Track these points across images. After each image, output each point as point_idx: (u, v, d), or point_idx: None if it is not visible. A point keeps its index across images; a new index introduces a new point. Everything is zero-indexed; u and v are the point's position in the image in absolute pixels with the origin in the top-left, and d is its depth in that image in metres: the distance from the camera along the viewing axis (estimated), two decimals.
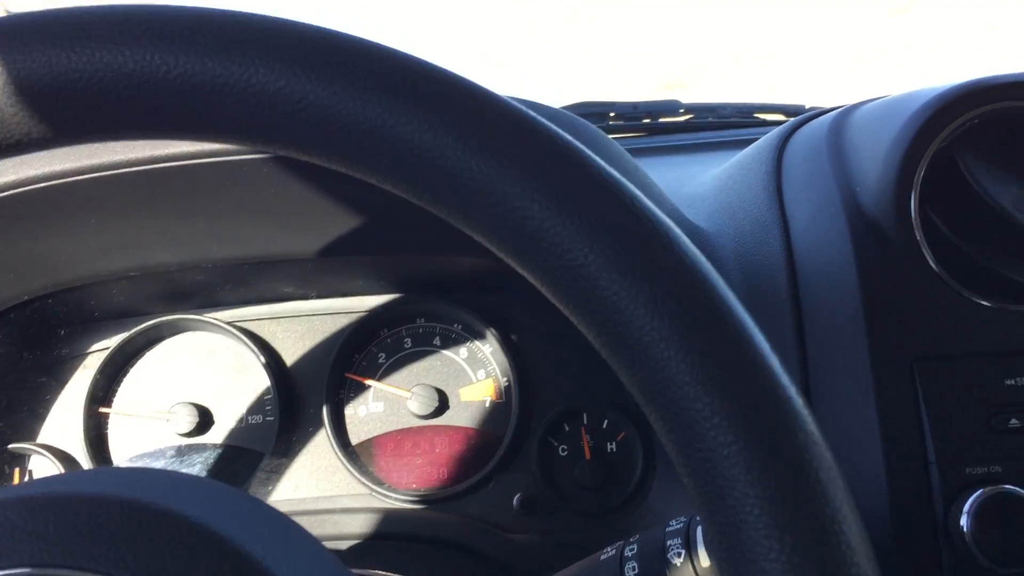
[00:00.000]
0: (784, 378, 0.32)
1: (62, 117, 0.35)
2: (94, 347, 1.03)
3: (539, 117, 0.36)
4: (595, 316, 0.33)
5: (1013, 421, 0.67)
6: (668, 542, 0.57)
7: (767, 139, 0.92)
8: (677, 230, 0.34)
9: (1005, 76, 0.68)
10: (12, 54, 0.34)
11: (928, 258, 0.69)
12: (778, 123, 1.24)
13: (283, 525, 0.47)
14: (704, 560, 0.55)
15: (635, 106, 1.56)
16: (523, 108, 0.36)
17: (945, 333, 0.69)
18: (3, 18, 0.35)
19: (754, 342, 0.32)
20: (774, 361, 0.32)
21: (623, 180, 0.35)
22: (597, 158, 0.35)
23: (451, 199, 0.35)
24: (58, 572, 0.38)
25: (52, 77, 0.34)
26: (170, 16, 0.35)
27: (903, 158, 0.68)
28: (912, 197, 0.69)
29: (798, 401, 0.32)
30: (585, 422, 0.97)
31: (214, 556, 0.40)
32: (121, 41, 0.34)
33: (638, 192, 0.35)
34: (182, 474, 0.49)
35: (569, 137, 0.35)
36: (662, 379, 0.32)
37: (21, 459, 1.00)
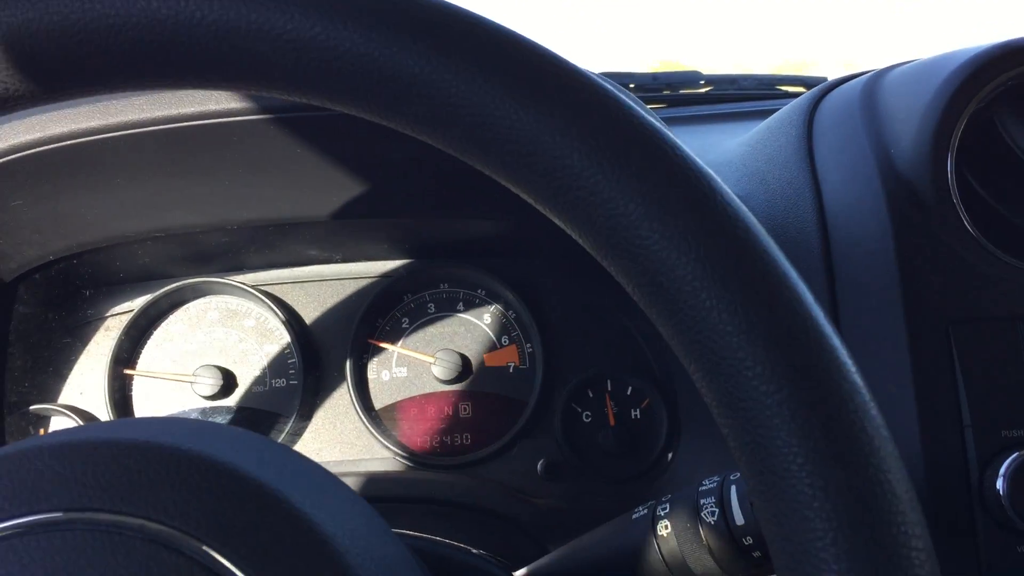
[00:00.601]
0: (828, 327, 0.32)
1: (93, 65, 0.35)
2: (118, 309, 1.03)
3: (577, 65, 0.35)
4: (635, 265, 0.33)
5: None
6: (701, 501, 0.57)
7: (796, 103, 0.91)
8: (718, 179, 0.34)
9: None
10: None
11: (964, 220, 0.68)
12: (799, 95, 1.22)
13: (322, 475, 0.47)
14: (739, 518, 0.55)
15: (655, 77, 1.55)
16: (560, 56, 0.35)
17: (981, 296, 0.68)
18: None
19: (798, 291, 0.32)
20: (818, 310, 0.32)
21: (664, 128, 0.34)
22: (636, 107, 0.34)
23: (486, 149, 0.34)
24: (95, 516, 0.38)
25: (85, 23, 0.33)
26: None
27: (940, 119, 0.67)
28: (948, 158, 0.67)
29: (843, 351, 0.31)
30: (609, 389, 0.97)
31: (257, 504, 0.40)
32: None
33: (679, 141, 0.34)
34: (221, 424, 0.49)
35: (608, 85, 0.35)
36: (703, 328, 0.32)
37: (44, 420, 1.00)
